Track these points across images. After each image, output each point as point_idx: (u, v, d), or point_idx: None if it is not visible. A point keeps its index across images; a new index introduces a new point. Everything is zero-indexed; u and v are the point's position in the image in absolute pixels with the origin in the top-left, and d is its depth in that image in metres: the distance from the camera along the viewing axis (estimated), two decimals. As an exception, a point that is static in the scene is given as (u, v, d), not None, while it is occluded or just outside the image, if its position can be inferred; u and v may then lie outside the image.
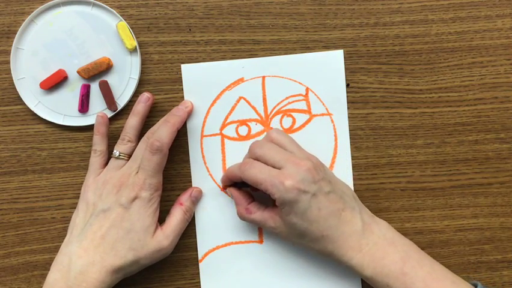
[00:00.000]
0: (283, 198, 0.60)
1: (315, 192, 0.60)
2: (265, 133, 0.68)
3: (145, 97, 0.66)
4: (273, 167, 0.62)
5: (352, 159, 0.69)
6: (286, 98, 0.68)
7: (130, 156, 0.66)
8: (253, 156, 0.64)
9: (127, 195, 0.63)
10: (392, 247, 0.62)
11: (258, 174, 0.61)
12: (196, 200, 0.68)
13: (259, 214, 0.65)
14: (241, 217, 0.66)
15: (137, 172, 0.64)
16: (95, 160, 0.66)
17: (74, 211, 0.67)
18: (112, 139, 0.68)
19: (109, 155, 0.67)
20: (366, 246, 0.62)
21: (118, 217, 0.63)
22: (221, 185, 0.69)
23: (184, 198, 0.67)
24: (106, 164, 0.67)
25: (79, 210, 0.65)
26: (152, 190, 0.63)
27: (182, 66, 0.68)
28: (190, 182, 0.69)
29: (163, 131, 0.63)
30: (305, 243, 0.63)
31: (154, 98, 0.67)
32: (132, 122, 0.66)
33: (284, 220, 0.62)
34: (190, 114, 0.68)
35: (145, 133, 0.66)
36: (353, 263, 0.62)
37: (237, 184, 0.67)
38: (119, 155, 0.65)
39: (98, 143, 0.66)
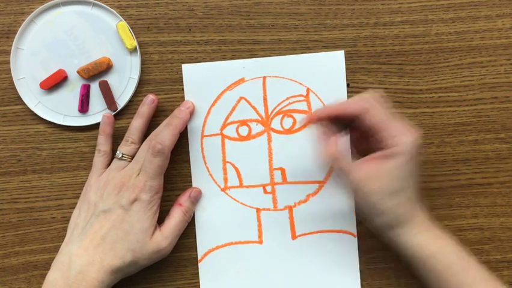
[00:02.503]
0: (406, 147, 0.59)
1: (417, 161, 0.61)
2: (265, 133, 0.68)
3: (150, 99, 0.66)
4: None
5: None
6: (287, 98, 0.68)
7: (133, 157, 0.66)
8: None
9: (127, 197, 0.63)
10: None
11: (385, 116, 0.60)
12: (196, 200, 0.68)
13: (346, 162, 0.62)
14: (329, 157, 0.62)
15: (139, 174, 0.64)
16: (99, 160, 0.66)
17: (74, 208, 0.67)
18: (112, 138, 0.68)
19: (113, 155, 0.67)
20: (433, 226, 0.62)
21: (118, 218, 0.63)
22: (316, 117, 0.63)
23: (184, 199, 0.68)
24: (109, 164, 0.67)
25: (80, 209, 0.66)
26: (152, 192, 0.63)
27: (183, 66, 0.68)
28: (190, 182, 0.69)
29: (165, 134, 0.63)
30: (379, 200, 0.61)
31: (158, 100, 0.67)
32: (136, 123, 0.66)
33: (386, 170, 0.60)
34: (191, 114, 0.68)
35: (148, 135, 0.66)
36: (418, 238, 0.61)
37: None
38: (122, 156, 0.65)
39: (103, 143, 0.66)
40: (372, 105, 0.60)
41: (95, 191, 0.65)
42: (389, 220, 0.61)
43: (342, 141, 0.63)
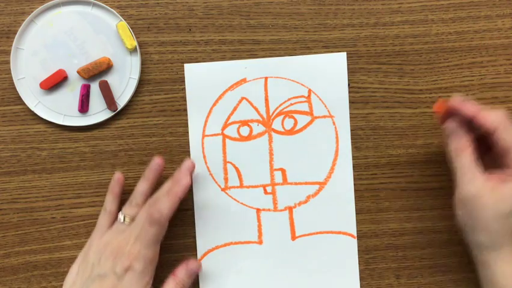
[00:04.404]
0: None
1: None
2: (266, 134, 0.68)
3: (156, 164, 0.66)
4: None
5: (352, 159, 0.69)
6: (289, 99, 0.68)
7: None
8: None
9: (121, 264, 0.62)
10: None
11: None
12: (193, 273, 0.66)
13: (470, 165, 0.60)
14: (455, 152, 0.61)
15: (135, 241, 0.63)
16: (104, 219, 0.66)
17: (74, 208, 0.67)
18: (112, 138, 0.68)
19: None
20: None
21: (111, 287, 0.62)
22: (440, 105, 0.63)
23: (179, 270, 0.66)
24: (113, 223, 0.66)
25: (79, 267, 0.65)
26: (146, 262, 0.62)
27: (186, 65, 0.68)
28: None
29: (164, 202, 0.63)
30: (490, 217, 0.59)
31: (164, 164, 0.67)
32: (141, 187, 0.66)
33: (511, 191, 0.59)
34: (192, 174, 0.67)
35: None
36: (506, 267, 0.60)
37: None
38: (125, 219, 0.65)
39: (110, 202, 0.66)
40: (506, 125, 0.59)
41: (95, 251, 0.64)
42: (489, 240, 0.60)
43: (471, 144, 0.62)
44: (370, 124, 0.69)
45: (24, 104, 0.68)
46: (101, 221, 0.66)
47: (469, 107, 0.61)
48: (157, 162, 0.66)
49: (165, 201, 0.63)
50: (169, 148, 0.68)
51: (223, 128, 0.69)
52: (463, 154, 0.61)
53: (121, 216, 0.65)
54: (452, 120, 0.62)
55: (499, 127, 0.59)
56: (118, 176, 0.67)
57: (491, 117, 0.60)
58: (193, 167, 0.67)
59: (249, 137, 0.69)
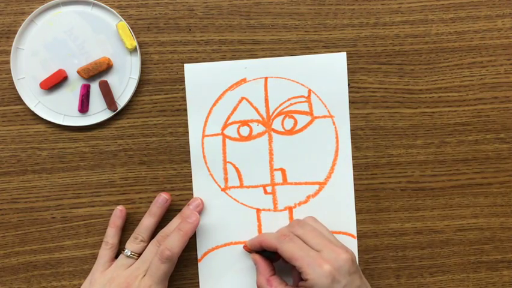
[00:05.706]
0: (316, 281, 0.59)
1: (346, 284, 0.59)
2: (266, 134, 0.68)
3: (163, 199, 0.67)
4: (311, 248, 0.61)
5: (352, 159, 0.69)
6: (289, 99, 0.68)
7: (140, 255, 0.65)
8: (293, 232, 0.64)
9: None
10: None
11: (297, 250, 0.61)
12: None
13: None
14: (260, 287, 0.65)
15: (144, 275, 0.63)
16: (105, 253, 0.66)
17: (74, 208, 0.68)
18: (112, 138, 0.68)
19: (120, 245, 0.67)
20: None
21: None
22: (247, 245, 0.68)
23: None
24: (115, 256, 0.66)
25: None
26: None
27: (185, 65, 0.68)
28: (190, 182, 0.69)
29: (175, 240, 0.63)
30: None
31: (171, 199, 0.68)
32: (147, 222, 0.66)
33: None
34: (201, 212, 0.68)
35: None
36: None
37: (261, 252, 0.67)
38: (130, 254, 0.65)
39: (111, 236, 0.66)
40: (282, 241, 0.62)
41: (100, 287, 0.64)
42: None
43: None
44: (370, 124, 0.69)
45: (24, 104, 0.68)
46: (103, 255, 0.66)
47: (252, 241, 0.67)
48: (163, 197, 0.67)
49: (176, 239, 0.63)
50: (169, 148, 0.68)
51: (223, 128, 0.69)
52: (269, 284, 0.64)
53: (127, 251, 0.65)
54: (255, 253, 0.67)
55: (276, 245, 0.63)
56: (119, 209, 0.67)
57: (267, 240, 0.64)
58: (202, 205, 0.68)
59: (249, 137, 0.69)
